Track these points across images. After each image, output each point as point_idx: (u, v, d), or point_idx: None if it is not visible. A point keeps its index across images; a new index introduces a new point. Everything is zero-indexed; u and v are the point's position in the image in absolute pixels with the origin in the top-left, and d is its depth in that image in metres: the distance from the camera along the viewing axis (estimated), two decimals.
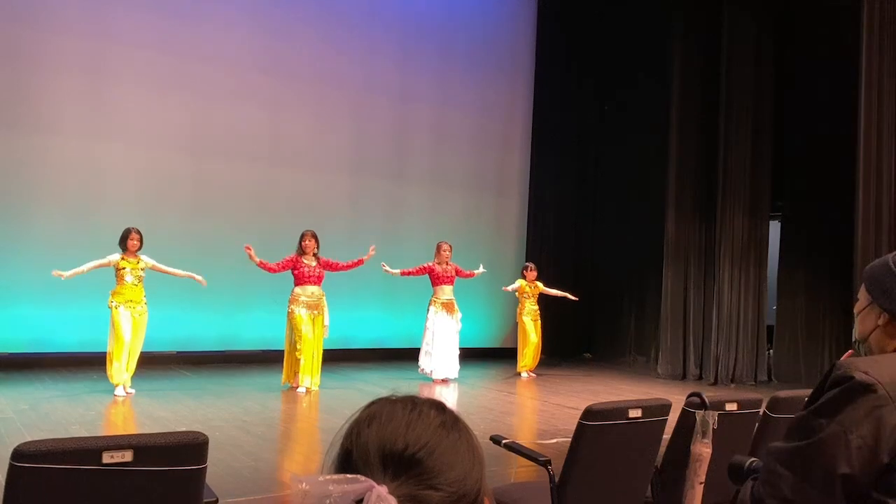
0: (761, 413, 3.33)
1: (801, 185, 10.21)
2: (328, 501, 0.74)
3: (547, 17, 12.48)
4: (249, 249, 7.96)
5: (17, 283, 8.65)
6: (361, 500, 0.74)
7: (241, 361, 9.77)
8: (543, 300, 10.26)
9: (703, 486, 2.79)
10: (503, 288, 10.19)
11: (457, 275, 9.31)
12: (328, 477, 0.76)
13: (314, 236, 8.20)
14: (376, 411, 0.84)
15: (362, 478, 0.75)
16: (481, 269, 9.66)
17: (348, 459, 0.81)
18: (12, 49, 8.78)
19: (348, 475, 0.76)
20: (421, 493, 0.77)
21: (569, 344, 12.05)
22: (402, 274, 9.08)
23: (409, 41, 11.39)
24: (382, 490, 0.74)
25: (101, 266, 7.31)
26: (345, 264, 8.43)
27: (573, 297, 10.27)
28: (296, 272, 8.11)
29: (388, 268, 8.95)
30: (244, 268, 9.82)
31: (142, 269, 7.39)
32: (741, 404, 3.28)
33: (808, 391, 1.56)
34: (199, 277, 7.76)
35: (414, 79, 11.40)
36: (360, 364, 10.05)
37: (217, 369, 9.28)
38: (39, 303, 8.69)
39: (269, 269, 8.09)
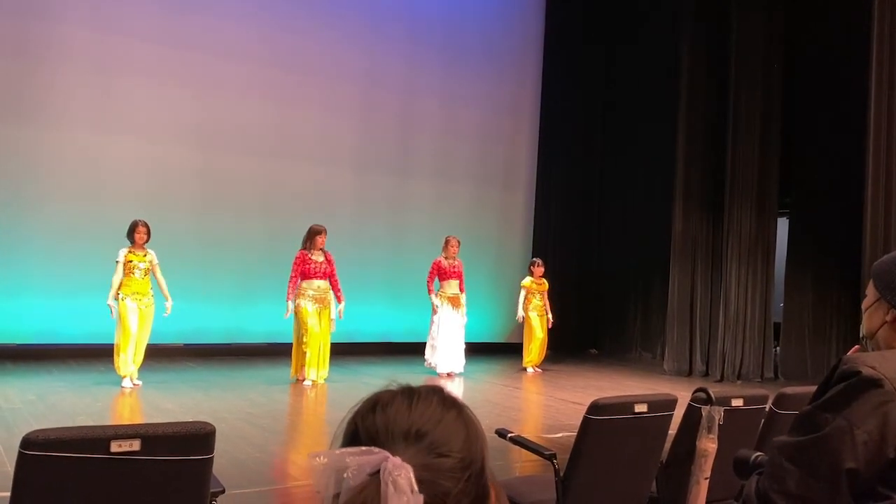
0: (767, 409, 3.33)
1: (809, 183, 10.16)
2: (346, 474, 0.75)
3: (555, 12, 12.44)
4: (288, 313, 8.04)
5: (25, 275, 8.69)
6: (377, 472, 0.75)
7: (248, 354, 9.80)
8: (549, 295, 10.24)
9: (708, 481, 2.79)
10: (522, 283, 10.04)
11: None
12: (345, 450, 0.77)
13: (326, 232, 8.22)
14: (378, 399, 0.86)
15: (377, 449, 0.77)
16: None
17: (356, 443, 0.83)
18: (20, 42, 8.80)
19: (363, 447, 0.78)
20: (433, 462, 0.79)
21: (575, 340, 12.04)
22: (430, 292, 9.07)
23: (416, 35, 11.37)
24: (397, 459, 0.76)
25: (120, 270, 7.29)
26: (337, 284, 8.27)
27: (551, 319, 10.03)
28: (303, 267, 8.14)
29: (434, 300, 9.04)
30: (251, 260, 9.90)
31: (149, 262, 7.42)
32: (747, 400, 3.28)
33: (815, 387, 1.56)
34: (168, 304, 7.42)
35: (421, 73, 11.39)
36: (366, 358, 10.06)
37: (223, 362, 9.31)
38: (47, 294, 8.74)
39: (293, 283, 8.06)
